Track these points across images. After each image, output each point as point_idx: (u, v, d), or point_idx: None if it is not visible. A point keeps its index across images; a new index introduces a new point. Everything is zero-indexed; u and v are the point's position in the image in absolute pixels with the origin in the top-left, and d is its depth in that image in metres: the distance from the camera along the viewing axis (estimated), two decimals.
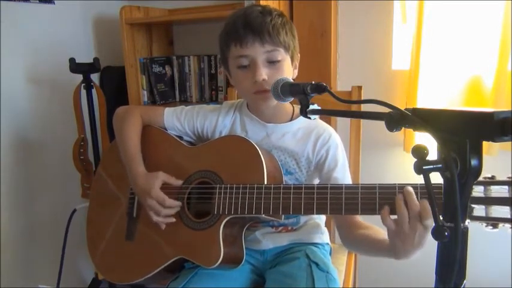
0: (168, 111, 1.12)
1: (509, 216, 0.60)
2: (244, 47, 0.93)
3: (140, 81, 1.92)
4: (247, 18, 0.93)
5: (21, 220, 1.76)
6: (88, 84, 1.69)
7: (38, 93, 1.75)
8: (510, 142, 0.45)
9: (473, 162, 0.47)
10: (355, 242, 0.96)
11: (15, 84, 1.67)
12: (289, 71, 0.98)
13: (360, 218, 0.97)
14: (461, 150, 0.47)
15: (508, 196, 0.60)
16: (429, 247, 0.69)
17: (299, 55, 1.04)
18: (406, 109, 0.55)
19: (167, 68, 1.98)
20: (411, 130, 0.55)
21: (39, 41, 1.74)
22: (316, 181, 1.06)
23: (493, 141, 0.45)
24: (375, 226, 0.92)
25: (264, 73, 0.93)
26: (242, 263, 0.97)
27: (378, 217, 0.76)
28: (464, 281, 0.50)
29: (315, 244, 1.08)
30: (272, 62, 0.95)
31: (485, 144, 0.48)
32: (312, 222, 1.11)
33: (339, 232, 1.01)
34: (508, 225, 0.60)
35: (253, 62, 0.94)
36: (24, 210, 1.76)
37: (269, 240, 1.06)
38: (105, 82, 1.98)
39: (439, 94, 1.46)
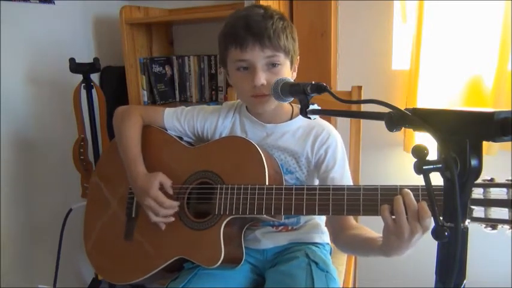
0: (168, 111, 1.12)
1: (507, 218, 0.60)
2: (244, 51, 0.92)
3: (140, 81, 1.92)
4: (248, 21, 0.91)
5: (21, 220, 1.75)
6: (88, 84, 1.69)
7: (38, 93, 1.75)
8: (510, 142, 0.45)
9: (473, 162, 0.47)
10: (348, 242, 0.96)
11: (15, 84, 1.67)
12: (288, 75, 0.98)
13: (353, 220, 0.98)
14: (461, 150, 0.47)
15: (506, 198, 0.61)
16: (429, 247, 0.69)
17: (298, 58, 1.03)
18: (406, 109, 0.55)
19: (167, 68, 1.98)
20: (411, 130, 0.55)
21: (39, 41, 1.73)
22: (317, 180, 1.06)
23: (493, 141, 0.45)
24: (366, 227, 0.93)
25: (263, 78, 0.92)
26: (241, 263, 0.97)
27: (377, 220, 0.76)
28: (464, 281, 0.50)
29: (315, 244, 1.08)
30: (271, 67, 0.94)
31: (485, 144, 0.47)
32: (312, 222, 1.11)
33: (332, 235, 1.01)
34: (506, 227, 0.61)
35: (253, 66, 0.93)
36: (24, 210, 1.76)
37: (269, 240, 1.06)
38: (105, 82, 1.98)
39: (439, 94, 1.46)
